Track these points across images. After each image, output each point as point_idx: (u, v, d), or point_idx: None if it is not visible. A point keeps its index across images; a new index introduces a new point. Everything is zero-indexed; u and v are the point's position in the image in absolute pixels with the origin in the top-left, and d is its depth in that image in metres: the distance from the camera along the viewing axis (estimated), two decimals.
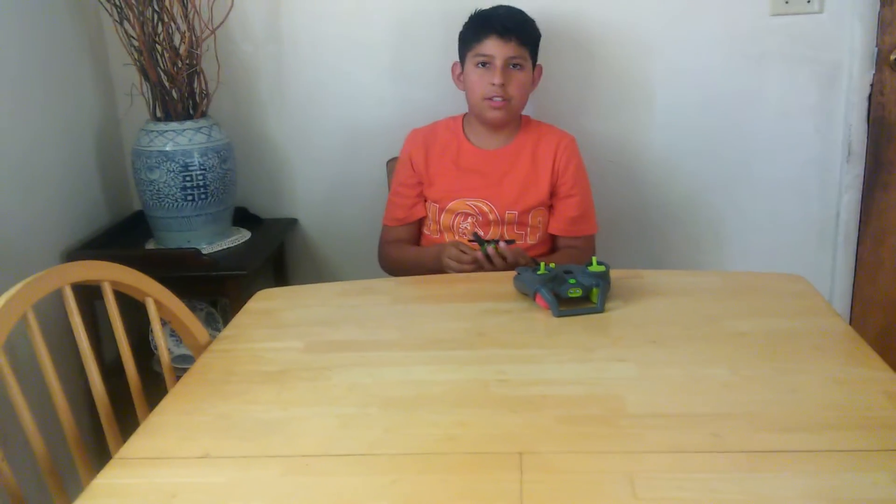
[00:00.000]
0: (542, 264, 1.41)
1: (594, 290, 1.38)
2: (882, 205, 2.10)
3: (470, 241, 1.72)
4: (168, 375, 1.31)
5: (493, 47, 1.77)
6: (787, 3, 1.99)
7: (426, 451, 0.99)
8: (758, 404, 1.05)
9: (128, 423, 1.30)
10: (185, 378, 1.22)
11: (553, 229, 1.89)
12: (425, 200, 1.91)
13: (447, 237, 1.88)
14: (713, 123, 2.11)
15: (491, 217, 1.85)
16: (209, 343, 1.36)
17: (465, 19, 1.87)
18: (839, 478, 0.89)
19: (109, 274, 1.24)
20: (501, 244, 1.62)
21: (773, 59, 2.04)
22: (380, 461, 0.97)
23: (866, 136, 2.06)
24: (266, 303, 1.53)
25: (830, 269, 2.18)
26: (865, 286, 2.17)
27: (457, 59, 1.90)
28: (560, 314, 1.34)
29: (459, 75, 1.88)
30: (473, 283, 1.55)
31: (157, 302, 1.32)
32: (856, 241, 2.14)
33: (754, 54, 2.04)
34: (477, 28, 1.81)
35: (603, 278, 1.39)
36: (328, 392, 1.16)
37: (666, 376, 1.14)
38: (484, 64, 1.79)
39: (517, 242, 1.82)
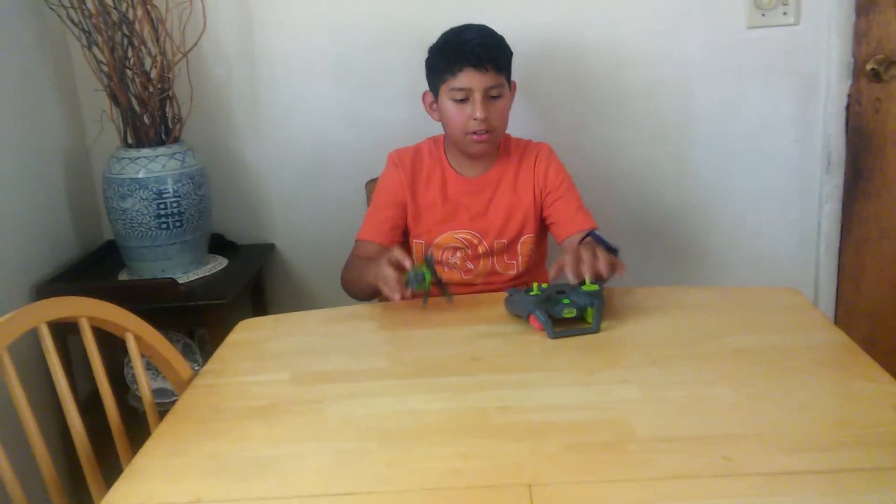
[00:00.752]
0: (535, 284, 1.38)
1: (588, 309, 1.35)
2: (863, 214, 2.11)
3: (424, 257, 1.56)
4: (150, 414, 1.25)
5: (470, 80, 1.66)
6: (763, 15, 2.00)
7: (431, 487, 0.94)
8: (767, 424, 1.02)
9: (106, 462, 1.24)
10: (169, 417, 1.16)
11: (561, 235, 1.75)
12: (405, 236, 1.82)
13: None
14: (693, 137, 2.11)
15: (480, 249, 1.77)
16: (192, 378, 1.30)
17: (438, 35, 1.77)
18: (863, 499, 0.86)
19: (87, 310, 1.18)
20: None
21: (751, 72, 2.05)
22: (384, 499, 0.93)
23: (845, 146, 2.07)
24: (248, 333, 1.47)
25: (813, 278, 2.18)
26: (849, 295, 2.17)
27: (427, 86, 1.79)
28: (555, 336, 1.31)
29: (432, 104, 1.76)
30: (463, 306, 1.51)
31: (136, 337, 1.26)
32: (838, 250, 2.15)
33: (733, 67, 2.04)
34: (449, 58, 1.69)
35: (597, 297, 1.36)
36: (321, 426, 1.11)
37: (670, 398, 1.11)
38: (462, 98, 1.68)
39: (509, 273, 1.79)
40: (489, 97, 1.68)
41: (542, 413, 1.09)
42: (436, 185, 1.79)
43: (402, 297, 1.41)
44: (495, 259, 1.79)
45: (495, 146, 1.78)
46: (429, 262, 1.46)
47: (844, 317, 2.18)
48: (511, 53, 1.76)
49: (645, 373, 1.18)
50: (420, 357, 1.30)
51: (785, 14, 2.00)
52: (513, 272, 1.79)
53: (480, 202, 1.78)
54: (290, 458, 1.03)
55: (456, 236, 1.78)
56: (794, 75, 2.05)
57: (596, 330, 1.33)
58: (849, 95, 2.04)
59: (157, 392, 1.84)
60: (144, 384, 1.26)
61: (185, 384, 1.30)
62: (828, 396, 1.09)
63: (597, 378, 1.18)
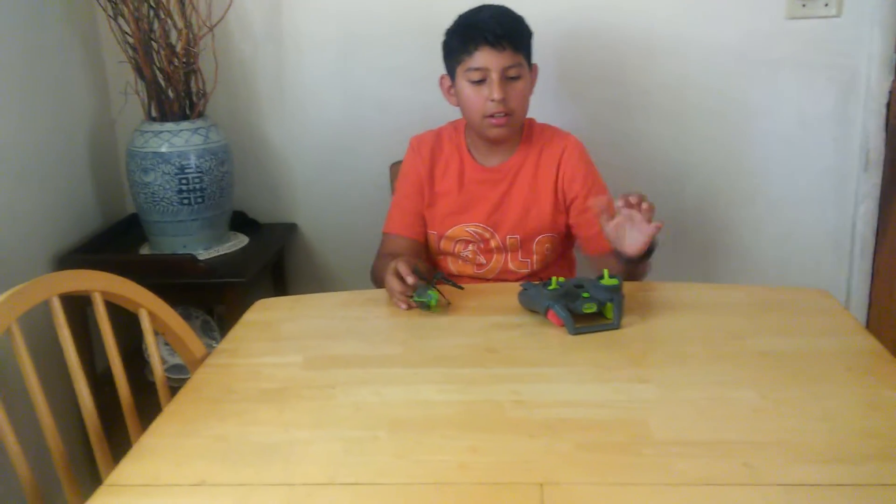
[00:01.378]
0: (554, 279, 1.34)
1: (608, 304, 1.32)
2: None
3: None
4: (162, 391, 1.24)
5: (487, 59, 1.60)
6: (804, 6, 1.93)
7: (438, 481, 0.92)
8: (790, 432, 0.99)
9: (121, 438, 1.23)
10: (180, 396, 1.15)
11: (591, 250, 1.70)
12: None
13: (450, 261, 1.77)
14: (727, 131, 2.05)
15: (493, 244, 1.72)
16: (205, 356, 1.29)
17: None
18: None
19: (100, 284, 1.17)
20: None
21: (788, 65, 1.98)
22: (388, 492, 0.91)
23: (884, 144, 2.00)
24: (264, 314, 1.46)
25: (846, 280, 2.12)
26: (882, 298, 2.11)
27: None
28: (576, 332, 1.28)
29: (450, 89, 1.71)
30: (479, 295, 1.48)
31: (150, 313, 1.24)
32: (872, 251, 2.08)
33: (770, 60, 1.98)
34: (464, 38, 1.63)
35: (617, 292, 1.32)
36: (332, 412, 1.09)
37: (691, 399, 1.07)
38: (479, 80, 1.62)
39: (523, 272, 1.74)
40: (507, 77, 1.61)
41: (558, 409, 1.06)
42: (453, 173, 1.74)
43: (409, 307, 1.41)
44: (509, 256, 1.73)
45: (515, 131, 1.71)
46: (438, 279, 1.43)
47: (876, 321, 2.11)
48: (531, 33, 1.68)
49: (665, 372, 1.15)
50: (434, 346, 1.28)
51: (826, 5, 1.93)
52: (526, 270, 1.74)
53: (496, 193, 1.72)
54: (299, 444, 1.01)
55: (467, 229, 1.73)
56: (833, 70, 1.98)
57: (617, 326, 1.29)
58: (890, 92, 1.96)
59: (174, 368, 1.83)
60: (157, 360, 1.25)
61: (198, 362, 1.29)
62: (855, 405, 1.04)
63: (615, 375, 1.15)
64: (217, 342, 1.98)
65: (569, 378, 1.15)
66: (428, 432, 1.02)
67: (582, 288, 1.33)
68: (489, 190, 1.73)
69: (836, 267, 2.12)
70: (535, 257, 1.73)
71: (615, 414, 1.04)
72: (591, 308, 1.31)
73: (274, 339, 1.34)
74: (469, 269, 1.76)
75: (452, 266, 1.78)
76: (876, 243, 2.08)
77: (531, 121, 1.77)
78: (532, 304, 1.36)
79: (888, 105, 1.97)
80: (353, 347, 1.28)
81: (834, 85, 1.99)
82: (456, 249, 1.76)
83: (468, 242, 1.74)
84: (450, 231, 1.75)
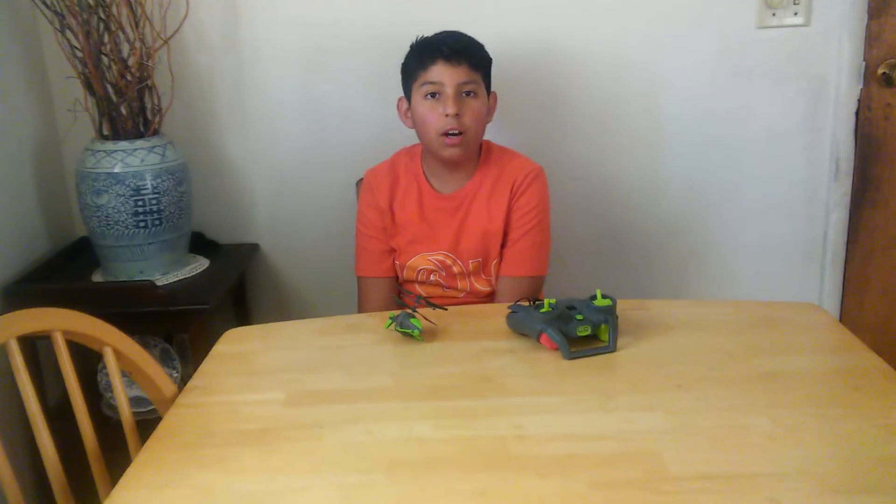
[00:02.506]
0: (546, 301, 1.28)
1: (602, 326, 1.27)
2: (870, 223, 2.05)
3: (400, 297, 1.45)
4: (131, 437, 1.14)
5: (442, 73, 1.58)
6: (773, 15, 1.92)
7: None
8: (811, 460, 0.94)
9: (79, 479, 1.13)
10: (152, 442, 1.05)
11: (501, 270, 1.69)
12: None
13: (417, 288, 1.71)
14: (698, 142, 2.02)
15: (455, 270, 1.69)
16: (176, 396, 1.19)
17: (437, 31, 1.69)
18: None
19: (61, 322, 1.07)
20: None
21: (760, 75, 1.97)
22: None
23: (854, 153, 2.00)
24: (236, 345, 1.37)
25: (818, 290, 2.12)
26: (853, 307, 2.11)
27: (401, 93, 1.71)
28: (571, 356, 1.22)
29: (406, 111, 1.68)
30: (464, 318, 1.41)
31: (116, 351, 1.14)
32: (843, 260, 2.08)
33: (740, 70, 1.97)
34: (421, 54, 1.62)
35: (611, 313, 1.27)
36: (322, 455, 1.01)
37: (702, 428, 1.02)
38: (433, 95, 1.59)
39: (487, 290, 1.70)
40: (462, 94, 1.60)
41: (565, 443, 1.00)
42: (412, 201, 1.70)
43: None
44: (472, 278, 1.70)
45: (471, 154, 1.68)
46: (419, 302, 1.36)
47: (848, 329, 2.11)
48: (489, 59, 1.68)
49: (670, 398, 1.10)
50: (424, 376, 1.21)
51: (796, 14, 1.92)
52: (489, 289, 1.71)
53: (455, 221, 1.68)
54: (290, 492, 0.93)
55: (429, 258, 1.69)
56: (803, 79, 1.97)
57: (612, 349, 1.24)
58: (859, 100, 1.97)
59: (133, 400, 1.72)
60: (124, 404, 1.14)
61: (168, 402, 1.19)
62: (871, 428, 1.00)
63: (619, 403, 1.09)
64: (178, 372, 1.88)
65: (570, 407, 1.09)
66: (429, 474, 0.95)
67: (574, 309, 1.28)
68: (448, 218, 1.69)
69: (807, 277, 2.12)
70: (493, 278, 1.71)
71: (626, 447, 0.99)
72: (585, 331, 1.25)
73: (250, 374, 1.25)
74: (438, 291, 1.72)
75: (420, 289, 1.73)
76: (847, 252, 2.08)
77: (489, 144, 1.74)
78: (522, 328, 1.30)
79: (857, 113, 1.98)
80: (336, 380, 1.20)
81: (804, 94, 1.98)
82: (419, 278, 1.71)
83: (430, 271, 1.70)
84: (411, 261, 1.70)
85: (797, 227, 2.08)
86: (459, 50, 1.58)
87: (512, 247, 1.67)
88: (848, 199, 2.04)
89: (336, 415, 1.10)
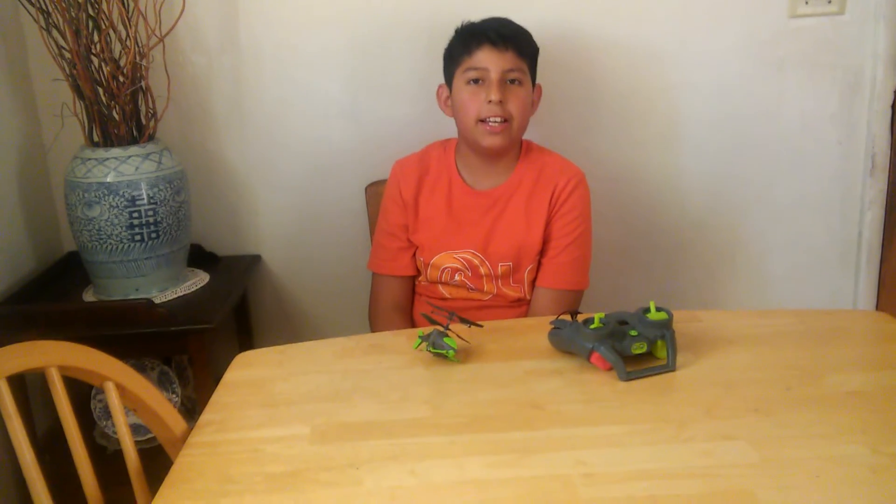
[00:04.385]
0: (597, 316, 1.16)
1: (658, 342, 1.15)
2: None
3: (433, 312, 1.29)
4: (137, 483, 1.00)
5: (487, 59, 1.50)
6: (806, 3, 1.82)
7: None
8: None
9: None
10: (165, 489, 0.92)
11: (538, 280, 1.60)
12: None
13: (441, 289, 1.63)
14: (729, 139, 1.91)
15: (482, 270, 1.59)
16: (187, 433, 1.06)
17: (451, 25, 1.60)
18: None
19: (57, 357, 0.93)
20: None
21: (791, 66, 1.86)
22: None
23: (890, 147, 1.90)
24: (249, 371, 1.23)
25: (853, 292, 2.01)
26: (889, 309, 2.00)
27: (441, 80, 1.62)
28: (628, 377, 1.10)
29: (447, 99, 1.61)
30: (501, 334, 1.29)
31: (118, 386, 1.01)
32: (879, 260, 1.98)
33: (772, 61, 1.85)
34: (466, 39, 1.54)
35: (668, 328, 1.15)
36: (363, 503, 0.88)
37: (794, 459, 0.90)
38: (477, 80, 1.52)
39: (516, 295, 1.59)
40: (507, 81, 1.52)
41: (641, 483, 0.88)
42: (440, 196, 1.61)
43: None
44: (500, 282, 1.60)
45: (513, 144, 1.59)
46: (452, 319, 1.23)
47: None
48: (536, 48, 1.60)
49: (750, 425, 0.98)
50: (467, 403, 1.08)
51: (830, 2, 1.82)
52: (519, 295, 1.61)
53: (488, 219, 1.59)
54: None
55: (455, 256, 1.59)
56: (836, 70, 1.87)
57: (672, 367, 1.12)
58: (895, 93, 1.86)
59: (132, 428, 1.58)
60: (130, 449, 1.01)
61: (178, 441, 1.05)
62: None
63: (693, 432, 0.97)
64: (178, 396, 1.74)
65: (639, 439, 0.97)
66: None
67: (627, 325, 1.16)
68: (479, 216, 1.59)
69: (842, 278, 2.01)
70: (525, 285, 1.60)
71: (712, 485, 0.87)
72: (641, 348, 1.13)
73: (269, 405, 1.12)
74: (462, 293, 1.62)
75: (443, 290, 1.63)
76: (882, 252, 1.97)
77: (529, 142, 1.65)
78: (568, 346, 1.18)
79: (893, 106, 1.87)
80: (367, 410, 1.08)
81: (838, 85, 1.88)
82: (443, 278, 1.60)
83: (456, 270, 1.58)
84: (435, 258, 1.60)
85: (831, 227, 1.97)
86: (506, 35, 1.51)
87: (554, 258, 1.57)
88: (884, 196, 1.93)
89: (372, 452, 0.97)
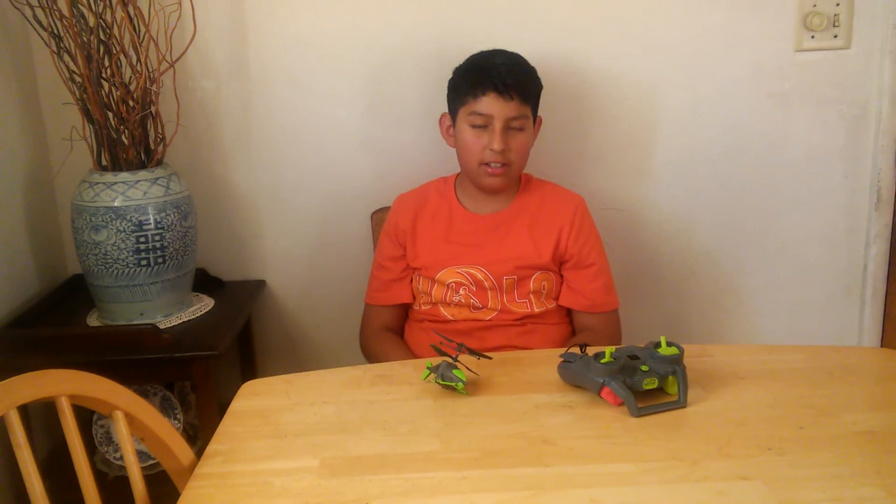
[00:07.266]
0: (608, 350, 1.15)
1: (669, 378, 1.15)
2: None
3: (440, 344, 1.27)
4: None
5: (492, 106, 1.51)
6: (812, 37, 1.83)
7: None
8: None
9: None
10: None
11: (569, 302, 1.62)
12: (411, 280, 1.67)
13: (443, 310, 1.62)
14: (734, 171, 1.92)
15: (486, 284, 1.59)
16: (195, 464, 1.05)
17: (459, 56, 1.61)
18: None
19: (67, 386, 0.93)
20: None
21: (798, 100, 1.87)
22: None
23: (895, 181, 1.90)
24: (256, 400, 1.22)
25: (857, 325, 2.01)
26: (894, 344, 2.00)
27: (445, 109, 1.64)
28: (639, 413, 1.09)
29: (449, 129, 1.63)
30: (509, 366, 1.28)
31: (127, 415, 1.00)
32: (884, 294, 1.98)
33: (778, 94, 1.86)
34: (473, 80, 1.54)
35: (679, 363, 1.15)
36: None
37: (810, 502, 0.89)
38: (481, 125, 1.54)
39: (522, 311, 1.59)
40: (510, 128, 1.55)
41: None
42: (441, 221, 1.64)
43: None
44: (505, 297, 1.60)
45: (511, 182, 1.63)
46: (461, 351, 1.23)
47: None
48: (541, 86, 1.63)
49: (764, 464, 0.97)
50: (477, 437, 1.07)
51: (836, 36, 1.83)
52: (526, 310, 1.61)
53: (491, 239, 1.61)
54: None
55: (458, 270, 1.60)
56: (842, 104, 1.88)
57: (683, 403, 1.12)
58: None
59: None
60: (137, 478, 0.99)
61: (186, 472, 1.04)
62: None
63: (706, 471, 0.96)
64: (180, 422, 1.73)
65: (651, 477, 0.96)
66: None
67: (638, 359, 1.15)
68: (483, 237, 1.62)
69: (847, 310, 2.01)
70: (532, 296, 1.61)
71: None
72: (651, 384, 1.13)
73: (277, 436, 1.11)
74: (465, 313, 1.61)
75: (446, 311, 1.62)
76: (888, 286, 1.97)
77: (528, 175, 1.69)
78: (578, 380, 1.17)
79: None
80: (375, 443, 1.07)
81: (844, 119, 1.88)
82: (447, 297, 1.61)
83: (460, 285, 1.60)
84: (439, 274, 1.61)
85: (836, 260, 1.97)
86: (513, 84, 1.51)
87: (589, 284, 1.62)
88: (889, 230, 1.94)
89: (382, 487, 0.96)
